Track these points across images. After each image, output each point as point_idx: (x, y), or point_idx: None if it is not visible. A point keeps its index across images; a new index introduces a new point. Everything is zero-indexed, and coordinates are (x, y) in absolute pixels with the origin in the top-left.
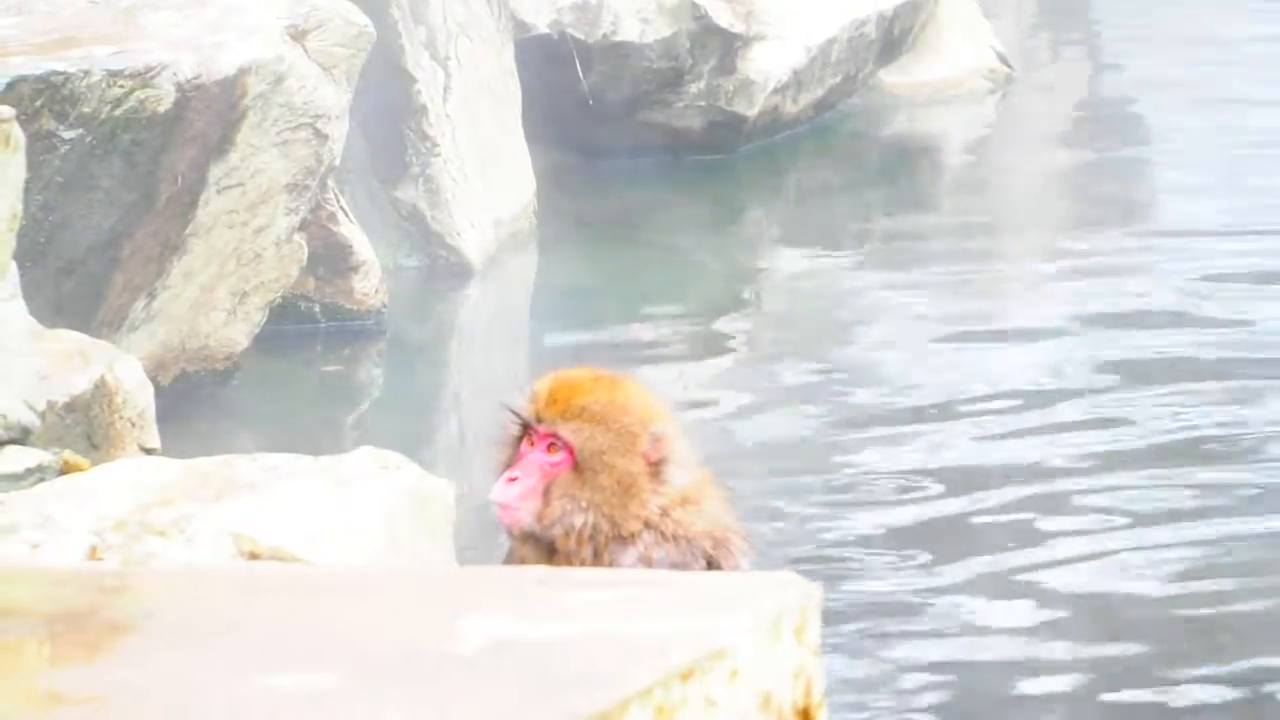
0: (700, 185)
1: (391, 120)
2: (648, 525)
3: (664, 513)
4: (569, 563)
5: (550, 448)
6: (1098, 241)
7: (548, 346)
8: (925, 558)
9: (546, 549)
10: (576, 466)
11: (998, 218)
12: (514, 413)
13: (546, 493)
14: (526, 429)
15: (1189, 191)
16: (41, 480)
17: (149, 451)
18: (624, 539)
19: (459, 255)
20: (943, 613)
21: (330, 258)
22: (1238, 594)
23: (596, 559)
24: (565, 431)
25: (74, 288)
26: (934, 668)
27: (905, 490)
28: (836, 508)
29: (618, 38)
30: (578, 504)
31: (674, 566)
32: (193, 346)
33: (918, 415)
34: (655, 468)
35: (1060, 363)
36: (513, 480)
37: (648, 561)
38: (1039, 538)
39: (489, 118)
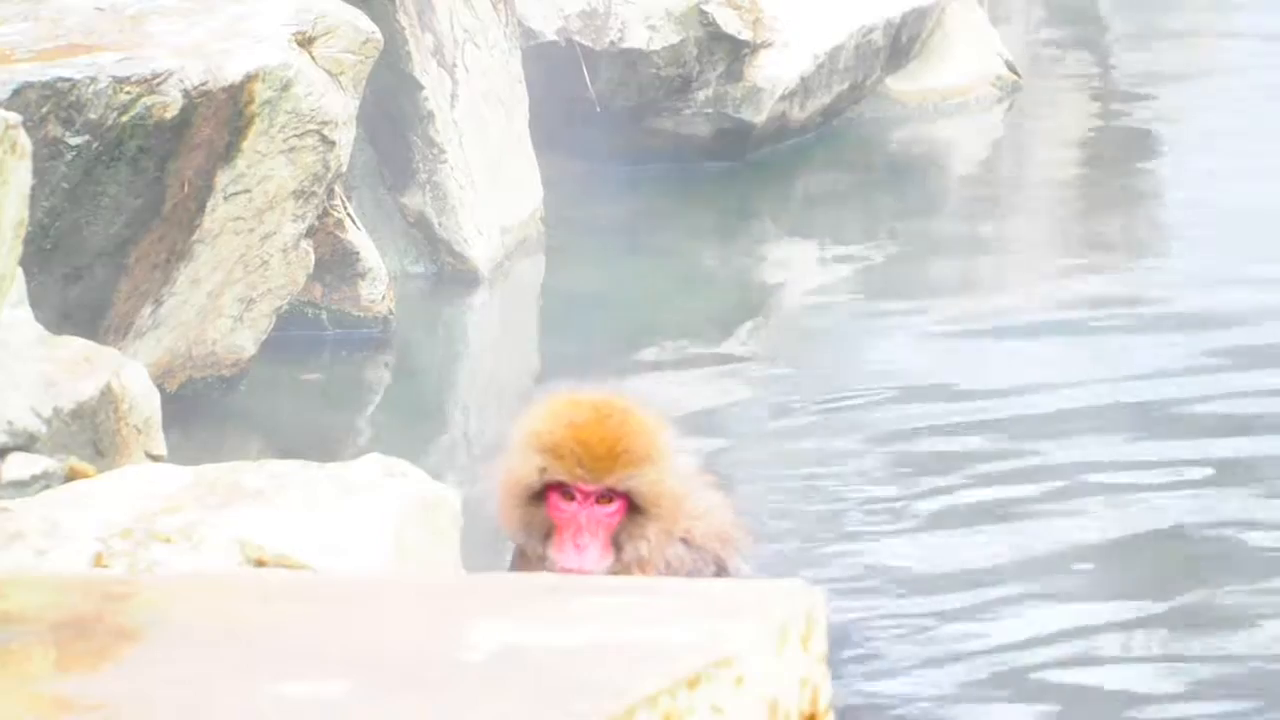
0: (708, 192)
1: (398, 127)
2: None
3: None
4: None
5: (601, 500)
6: (1108, 250)
7: (556, 354)
8: (941, 572)
9: None
10: (634, 508)
11: (1006, 226)
12: (553, 483)
13: (614, 541)
14: (555, 485)
15: (1196, 193)
16: (47, 487)
17: (155, 458)
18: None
19: (466, 262)
20: (962, 631)
21: (337, 264)
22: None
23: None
24: (618, 484)
25: (80, 294)
26: (954, 680)
27: (912, 497)
28: (845, 515)
29: (625, 45)
30: (645, 538)
31: (688, 572)
32: (199, 353)
33: (928, 425)
34: None
35: (1077, 372)
36: (582, 548)
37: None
38: (1065, 549)
39: (496, 125)
